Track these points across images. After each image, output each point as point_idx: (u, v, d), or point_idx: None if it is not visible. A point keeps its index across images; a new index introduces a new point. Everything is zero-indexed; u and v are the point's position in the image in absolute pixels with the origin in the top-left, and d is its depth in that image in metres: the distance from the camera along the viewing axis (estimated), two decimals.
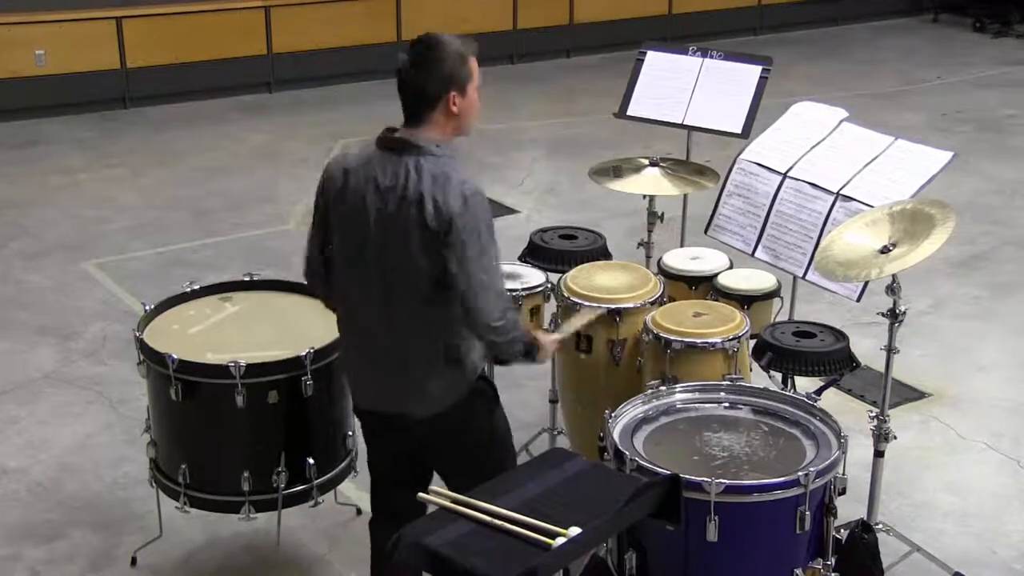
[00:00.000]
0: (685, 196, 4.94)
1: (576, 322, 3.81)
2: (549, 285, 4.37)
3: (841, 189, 4.14)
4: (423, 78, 3.15)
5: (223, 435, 3.74)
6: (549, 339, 3.42)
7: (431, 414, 3.25)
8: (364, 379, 3.36)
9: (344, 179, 3.21)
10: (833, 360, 3.89)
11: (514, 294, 4.16)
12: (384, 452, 3.47)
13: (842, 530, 3.75)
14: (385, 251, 3.14)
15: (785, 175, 4.33)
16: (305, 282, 3.49)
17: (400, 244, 3.11)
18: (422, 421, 3.26)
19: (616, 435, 3.29)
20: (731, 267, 4.46)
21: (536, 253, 4.62)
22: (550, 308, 4.39)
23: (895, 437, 3.92)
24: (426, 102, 3.16)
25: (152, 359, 3.70)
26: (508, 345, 3.21)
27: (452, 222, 3.05)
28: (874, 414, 3.90)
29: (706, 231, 4.59)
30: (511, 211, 7.79)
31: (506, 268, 4.01)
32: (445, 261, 3.08)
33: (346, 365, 3.48)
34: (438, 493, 2.71)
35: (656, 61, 5.07)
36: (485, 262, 3.10)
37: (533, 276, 4.40)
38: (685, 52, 5.03)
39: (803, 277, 4.20)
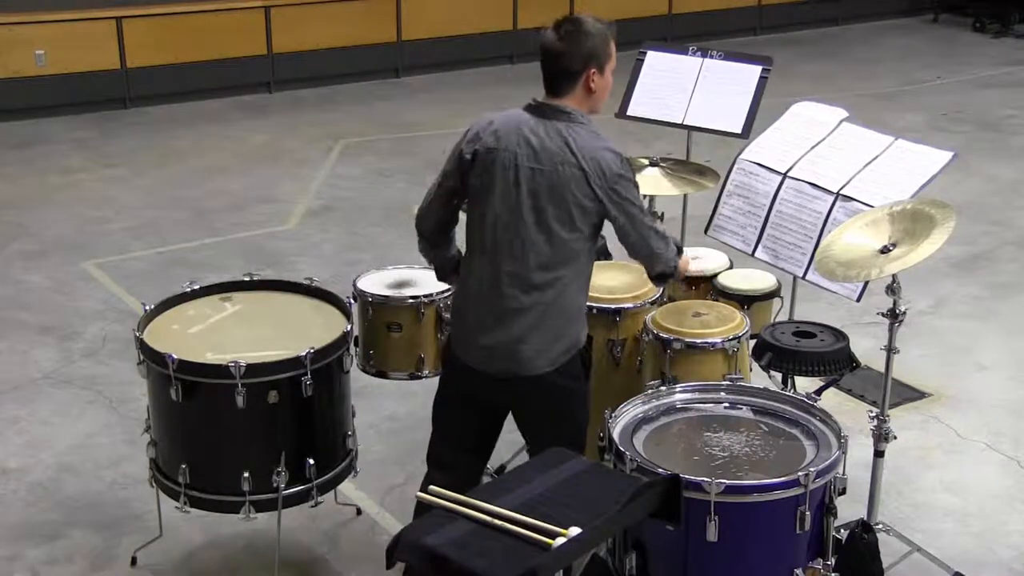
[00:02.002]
0: (685, 196, 4.94)
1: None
2: None
3: (841, 189, 4.14)
4: (568, 52, 3.33)
5: (223, 435, 3.74)
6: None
7: (539, 373, 3.39)
8: (479, 336, 3.43)
9: (495, 138, 3.37)
10: (833, 360, 3.88)
11: None
12: (469, 414, 3.57)
13: (842, 530, 3.75)
14: (538, 207, 3.31)
15: (785, 175, 4.33)
16: (417, 229, 3.64)
17: (557, 201, 3.29)
18: (528, 379, 3.40)
19: (616, 435, 3.29)
20: (731, 267, 4.46)
21: None
22: None
23: (895, 437, 3.92)
24: (568, 75, 3.34)
25: (152, 359, 3.70)
26: (671, 263, 3.47)
27: (616, 181, 3.29)
28: (874, 414, 3.90)
29: (706, 231, 4.59)
30: None
31: None
32: (611, 219, 3.33)
33: (460, 323, 3.53)
34: (438, 493, 2.71)
35: (656, 61, 5.07)
36: (645, 213, 3.39)
37: None
38: (685, 52, 5.03)
39: (803, 277, 4.20)
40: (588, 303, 3.83)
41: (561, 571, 2.54)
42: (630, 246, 3.42)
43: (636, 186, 3.38)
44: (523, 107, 3.41)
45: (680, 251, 3.56)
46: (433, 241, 3.65)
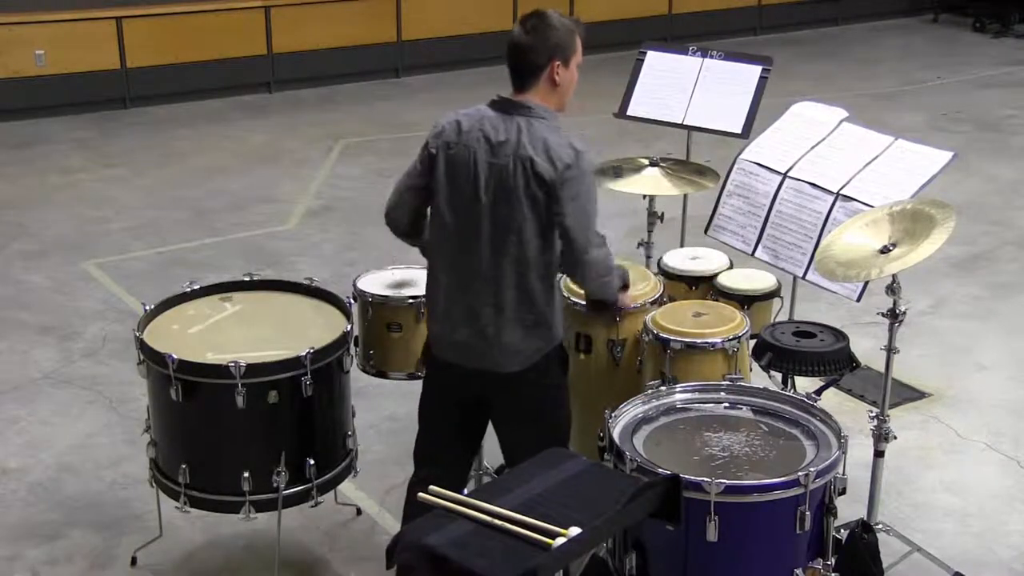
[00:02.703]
0: (685, 196, 4.94)
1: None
2: None
3: (841, 189, 4.14)
4: (532, 44, 3.35)
5: (223, 435, 3.74)
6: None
7: (513, 371, 3.40)
8: (451, 332, 3.46)
9: (456, 134, 3.39)
10: (833, 360, 3.88)
11: None
12: (450, 409, 3.58)
13: (842, 530, 3.75)
14: (496, 202, 3.31)
15: (785, 175, 4.33)
16: (387, 224, 3.63)
17: (511, 195, 3.29)
18: (502, 377, 3.40)
19: (616, 435, 3.29)
20: (731, 267, 4.46)
21: None
22: None
23: (895, 437, 3.92)
24: (532, 69, 3.35)
25: (152, 359, 3.70)
26: (609, 287, 3.46)
27: (565, 174, 3.25)
28: (874, 414, 3.90)
29: (706, 231, 4.59)
30: None
31: None
32: (553, 214, 3.28)
33: (433, 317, 3.55)
34: (438, 493, 2.71)
35: (656, 61, 5.07)
36: (592, 212, 3.32)
37: None
38: (685, 52, 5.03)
39: (803, 277, 4.20)
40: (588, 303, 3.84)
41: (561, 571, 2.54)
42: (565, 260, 3.37)
43: (587, 189, 3.29)
44: (487, 103, 3.42)
45: (625, 286, 3.59)
46: (407, 232, 3.64)
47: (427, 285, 3.59)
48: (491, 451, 3.90)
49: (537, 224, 3.31)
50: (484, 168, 3.32)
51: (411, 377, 4.26)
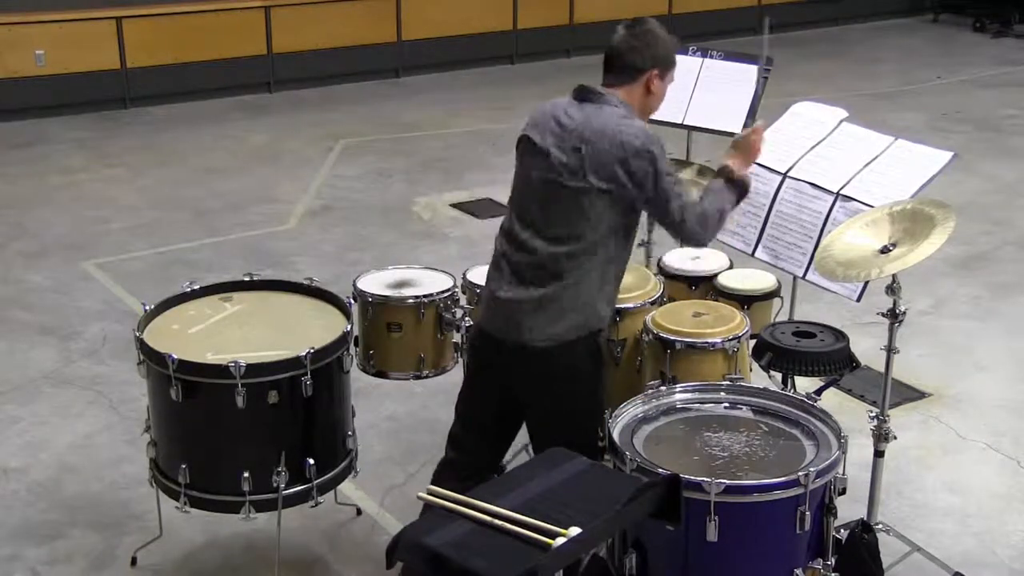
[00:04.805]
0: None
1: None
2: None
3: (841, 189, 4.14)
4: (636, 47, 3.42)
5: (223, 435, 3.74)
6: (746, 148, 3.67)
7: (536, 346, 3.41)
8: (494, 300, 3.51)
9: (535, 119, 3.49)
10: (833, 360, 3.88)
11: None
12: (480, 391, 3.63)
13: (842, 530, 3.74)
14: (552, 183, 3.37)
15: (785, 175, 4.32)
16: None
17: (569, 178, 3.34)
18: (532, 351, 3.42)
19: (616, 435, 3.29)
20: (731, 267, 4.46)
21: None
22: None
23: (895, 437, 3.92)
24: (630, 71, 3.43)
25: (152, 359, 3.70)
26: (718, 225, 3.49)
27: (634, 156, 3.29)
28: (874, 414, 3.90)
29: None
30: None
31: None
32: (625, 202, 3.34)
33: (487, 285, 3.61)
34: (438, 493, 2.71)
35: None
36: (670, 189, 3.35)
37: None
38: (685, 52, 5.02)
39: (803, 277, 4.20)
40: None
41: (561, 571, 2.54)
42: (673, 235, 3.49)
43: (658, 167, 3.33)
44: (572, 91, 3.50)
45: (742, 188, 3.55)
46: None
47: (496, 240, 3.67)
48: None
49: (592, 206, 3.34)
50: (553, 152, 3.38)
51: (411, 377, 4.27)
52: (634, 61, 3.42)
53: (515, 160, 3.57)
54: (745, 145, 3.67)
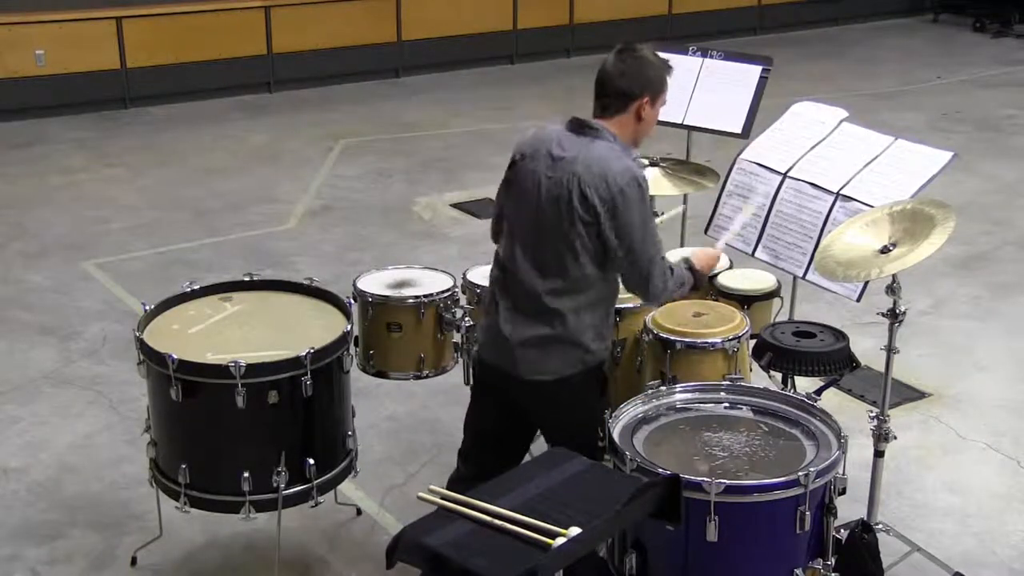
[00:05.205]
0: (685, 196, 4.94)
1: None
2: None
3: (841, 189, 4.14)
4: (626, 73, 3.40)
5: (223, 435, 3.74)
6: (707, 258, 3.72)
7: (531, 379, 3.45)
8: (491, 333, 3.54)
9: (529, 145, 3.47)
10: (833, 360, 3.88)
11: None
12: (487, 410, 3.65)
13: (842, 530, 3.74)
14: (545, 215, 3.37)
15: (785, 175, 4.33)
16: (494, 241, 3.67)
17: (560, 211, 3.34)
18: (528, 384, 3.46)
19: (616, 435, 3.29)
20: (731, 267, 4.46)
21: None
22: None
23: (895, 437, 3.92)
24: (620, 98, 3.41)
25: (152, 359, 3.70)
26: (673, 290, 3.52)
27: (618, 194, 3.29)
28: (874, 414, 3.90)
29: (706, 231, 4.59)
30: None
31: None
32: (603, 235, 3.32)
33: (484, 316, 3.64)
34: (438, 493, 2.71)
35: None
36: (646, 239, 3.35)
37: None
38: (685, 52, 5.02)
39: (803, 277, 4.20)
40: None
41: (561, 571, 2.54)
42: (625, 281, 3.47)
43: (641, 210, 3.33)
44: (564, 123, 3.48)
45: (695, 281, 3.61)
46: (496, 232, 3.68)
47: (491, 268, 3.68)
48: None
49: (579, 243, 3.34)
50: (544, 183, 3.37)
51: (411, 377, 4.27)
52: (625, 87, 3.39)
53: (504, 184, 3.54)
54: (705, 257, 3.75)
